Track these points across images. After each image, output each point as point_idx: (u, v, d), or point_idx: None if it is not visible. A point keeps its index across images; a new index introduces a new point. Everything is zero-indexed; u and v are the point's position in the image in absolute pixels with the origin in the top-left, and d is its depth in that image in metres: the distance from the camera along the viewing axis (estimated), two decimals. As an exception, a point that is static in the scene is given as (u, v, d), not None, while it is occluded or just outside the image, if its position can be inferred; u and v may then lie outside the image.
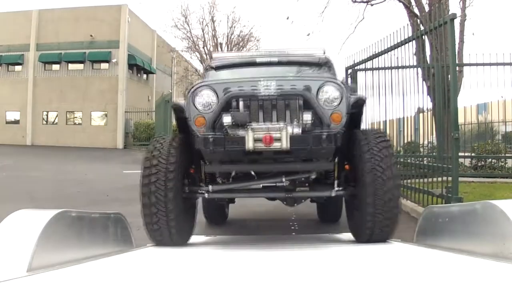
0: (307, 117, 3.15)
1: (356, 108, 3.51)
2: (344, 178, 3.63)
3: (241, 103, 3.26)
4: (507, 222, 2.02)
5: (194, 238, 3.90)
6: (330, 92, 3.31)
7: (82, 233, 2.52)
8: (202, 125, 3.28)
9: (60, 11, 26.54)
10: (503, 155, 10.38)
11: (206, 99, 3.33)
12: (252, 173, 3.66)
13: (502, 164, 9.94)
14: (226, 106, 3.26)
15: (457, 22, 8.37)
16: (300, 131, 3.15)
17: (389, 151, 3.27)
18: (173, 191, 3.22)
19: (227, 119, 3.16)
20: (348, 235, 4.31)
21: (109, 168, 14.56)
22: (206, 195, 3.65)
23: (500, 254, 2.01)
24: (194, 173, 3.68)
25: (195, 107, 3.32)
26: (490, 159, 10.01)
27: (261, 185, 3.71)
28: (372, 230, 3.24)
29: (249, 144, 3.08)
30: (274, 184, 3.68)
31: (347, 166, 3.58)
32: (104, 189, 9.44)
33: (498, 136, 14.55)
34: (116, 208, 5.74)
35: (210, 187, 3.64)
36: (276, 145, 3.07)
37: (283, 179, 3.56)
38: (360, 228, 3.37)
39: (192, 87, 3.44)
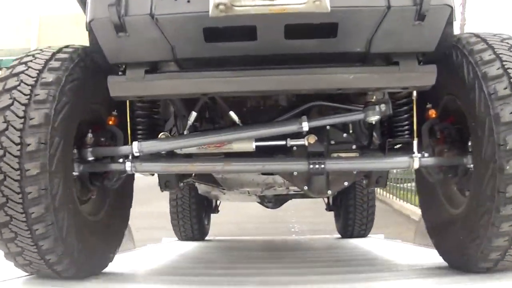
0: None
1: None
2: (430, 137, 1.84)
3: None
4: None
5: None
6: None
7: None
8: None
9: (61, 16, 26.64)
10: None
11: None
12: (234, 116, 1.86)
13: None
14: None
15: (457, 25, 8.41)
16: None
17: None
18: (46, 163, 1.47)
19: None
20: (366, 243, 3.84)
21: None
22: (128, 166, 1.80)
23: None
24: (116, 127, 1.90)
25: None
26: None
27: (253, 144, 1.87)
28: (505, 253, 1.58)
29: None
30: (284, 143, 1.87)
31: (432, 112, 1.82)
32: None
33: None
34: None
35: (135, 146, 1.78)
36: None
37: (303, 124, 1.76)
38: (473, 247, 1.62)
39: None
